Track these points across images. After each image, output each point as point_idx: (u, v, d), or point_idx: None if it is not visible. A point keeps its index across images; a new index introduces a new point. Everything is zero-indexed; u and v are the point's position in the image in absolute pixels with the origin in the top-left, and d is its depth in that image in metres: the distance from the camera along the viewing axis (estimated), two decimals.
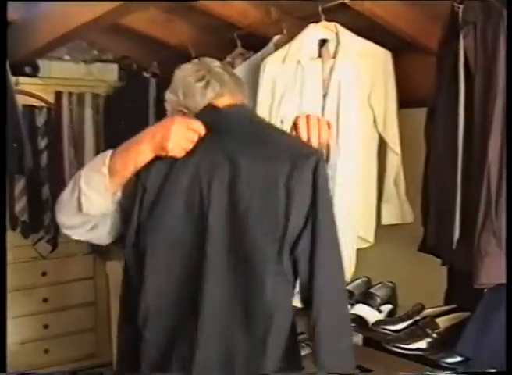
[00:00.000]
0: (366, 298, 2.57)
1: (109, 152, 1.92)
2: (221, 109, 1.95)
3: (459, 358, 2.14)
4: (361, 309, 2.50)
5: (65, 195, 1.95)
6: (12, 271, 3.89)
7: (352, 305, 2.52)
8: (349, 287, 2.61)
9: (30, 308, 4.13)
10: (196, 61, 2.12)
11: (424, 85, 2.51)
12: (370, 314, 2.48)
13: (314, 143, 1.90)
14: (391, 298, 2.64)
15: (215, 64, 2.07)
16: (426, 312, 2.42)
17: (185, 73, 2.07)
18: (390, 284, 2.67)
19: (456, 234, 2.25)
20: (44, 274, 4.18)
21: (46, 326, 4.21)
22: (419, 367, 2.46)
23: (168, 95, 2.10)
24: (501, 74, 2.04)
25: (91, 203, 1.88)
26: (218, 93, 2.00)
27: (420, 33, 2.75)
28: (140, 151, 1.89)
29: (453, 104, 2.23)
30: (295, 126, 1.94)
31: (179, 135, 1.85)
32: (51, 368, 4.19)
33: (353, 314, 2.48)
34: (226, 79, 2.03)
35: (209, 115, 1.92)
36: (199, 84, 2.01)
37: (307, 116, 1.93)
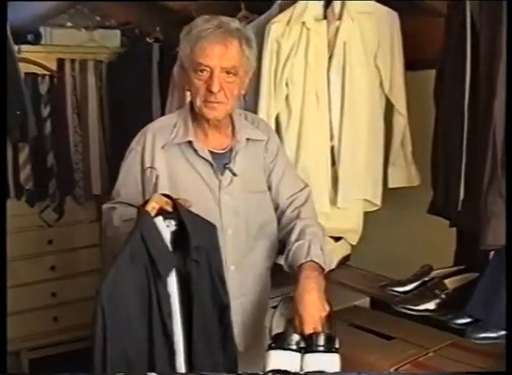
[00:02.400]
0: None
1: None
2: None
3: (468, 320, 2.14)
4: None
5: None
6: (19, 240, 3.91)
7: None
8: None
9: (38, 276, 4.14)
10: None
11: (431, 47, 2.49)
12: None
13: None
14: None
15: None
16: (434, 273, 2.41)
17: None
18: None
19: (461, 195, 2.25)
20: (50, 242, 4.18)
21: (54, 294, 4.23)
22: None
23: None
24: (504, 35, 2.01)
25: None
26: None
27: None
28: None
29: (461, 65, 2.21)
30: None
31: None
32: (61, 335, 4.23)
33: None
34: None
35: None
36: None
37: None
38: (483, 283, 2.14)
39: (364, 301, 3.03)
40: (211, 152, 2.17)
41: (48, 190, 4.08)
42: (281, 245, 2.25)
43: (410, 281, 2.42)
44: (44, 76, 4.02)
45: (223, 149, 2.20)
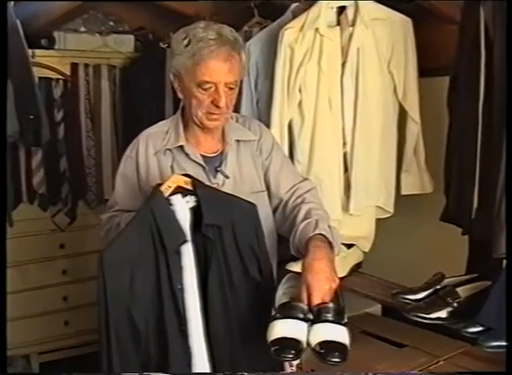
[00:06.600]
0: None
1: None
2: None
3: (480, 328, 2.12)
4: None
5: None
6: (31, 243, 3.92)
7: None
8: None
9: (49, 280, 4.14)
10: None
11: (445, 54, 2.48)
12: None
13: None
14: None
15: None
16: (446, 281, 2.39)
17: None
18: None
19: (475, 203, 2.23)
20: (62, 246, 4.18)
21: (65, 298, 4.22)
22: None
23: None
24: None
25: None
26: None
27: (442, 2, 2.70)
28: None
29: (475, 72, 2.20)
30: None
31: None
32: (72, 339, 4.23)
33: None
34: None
35: None
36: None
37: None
38: (495, 291, 2.12)
39: (376, 309, 3.01)
40: (203, 156, 2.20)
41: (61, 194, 4.08)
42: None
43: (422, 289, 2.41)
44: (57, 80, 4.03)
45: (214, 153, 2.23)
